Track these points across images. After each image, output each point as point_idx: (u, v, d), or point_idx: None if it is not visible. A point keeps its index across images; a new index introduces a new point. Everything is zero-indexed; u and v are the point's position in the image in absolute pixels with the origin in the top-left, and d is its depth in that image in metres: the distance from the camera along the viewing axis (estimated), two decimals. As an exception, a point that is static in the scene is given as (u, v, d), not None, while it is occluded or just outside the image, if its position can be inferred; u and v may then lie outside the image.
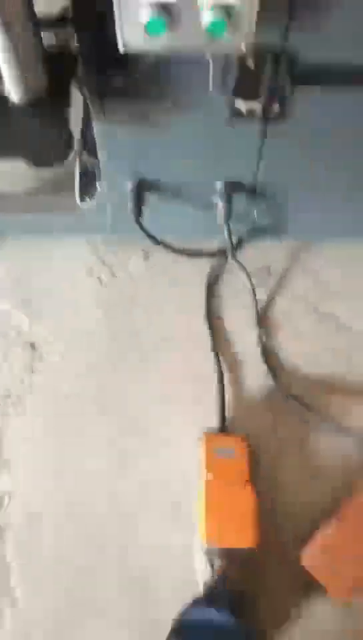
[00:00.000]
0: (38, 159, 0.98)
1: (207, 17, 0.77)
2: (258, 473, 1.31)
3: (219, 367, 1.44)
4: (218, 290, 1.60)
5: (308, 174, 1.22)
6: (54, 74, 0.94)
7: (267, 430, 1.38)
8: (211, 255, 1.44)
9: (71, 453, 1.36)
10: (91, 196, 1.38)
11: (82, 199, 1.38)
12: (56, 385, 1.45)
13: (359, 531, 1.14)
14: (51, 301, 1.57)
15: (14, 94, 0.90)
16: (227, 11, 0.76)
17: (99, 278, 1.61)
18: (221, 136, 1.12)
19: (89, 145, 1.31)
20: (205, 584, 1.11)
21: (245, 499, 1.14)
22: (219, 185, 1.25)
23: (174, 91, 1.02)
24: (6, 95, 0.90)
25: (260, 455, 1.35)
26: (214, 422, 1.38)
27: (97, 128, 1.12)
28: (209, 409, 1.41)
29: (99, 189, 1.35)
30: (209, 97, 1.02)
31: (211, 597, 1.05)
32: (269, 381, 1.43)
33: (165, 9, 0.77)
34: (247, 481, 1.19)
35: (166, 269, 1.62)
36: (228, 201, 1.25)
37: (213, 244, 1.55)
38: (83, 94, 1.03)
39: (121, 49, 0.82)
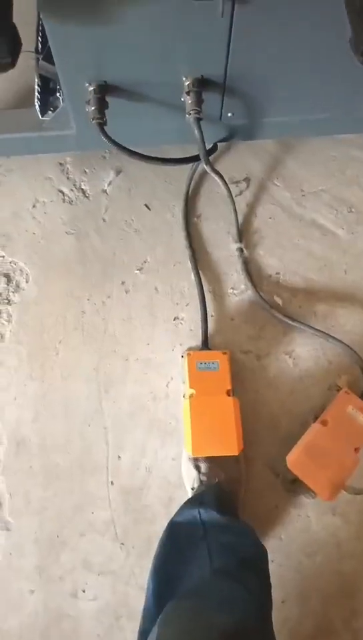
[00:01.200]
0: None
1: None
2: (243, 385, 1.31)
3: (200, 282, 1.40)
4: (196, 202, 1.53)
5: (280, 59, 1.12)
6: None
7: (250, 342, 1.36)
8: (185, 161, 1.36)
9: (54, 381, 1.35)
10: (54, 108, 1.28)
11: (43, 112, 1.29)
12: (34, 315, 1.42)
13: (342, 433, 1.15)
14: (20, 226, 1.51)
15: None
16: None
17: (69, 199, 1.54)
18: (184, 21, 1.01)
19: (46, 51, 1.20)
20: (193, 489, 1.12)
21: (227, 409, 1.14)
22: (187, 82, 1.16)
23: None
24: None
25: (244, 367, 1.34)
26: (197, 340, 1.36)
27: (46, 26, 1.02)
28: (191, 327, 1.38)
29: (61, 101, 1.26)
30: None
31: (199, 498, 1.07)
32: (252, 293, 1.40)
33: None
34: (229, 390, 1.19)
35: (139, 184, 1.54)
36: (197, 98, 1.15)
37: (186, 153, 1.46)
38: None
39: None
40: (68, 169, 1.57)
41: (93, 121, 1.15)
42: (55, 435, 1.30)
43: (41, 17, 1.04)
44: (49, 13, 0.98)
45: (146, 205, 1.53)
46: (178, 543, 0.98)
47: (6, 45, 0.90)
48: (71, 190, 1.55)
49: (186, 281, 1.44)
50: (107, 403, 1.33)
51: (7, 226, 1.51)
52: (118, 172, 1.56)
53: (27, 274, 1.47)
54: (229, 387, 1.19)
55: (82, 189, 1.55)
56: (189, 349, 1.34)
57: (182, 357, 1.33)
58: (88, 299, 1.42)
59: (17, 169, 1.56)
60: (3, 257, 1.48)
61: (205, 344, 1.33)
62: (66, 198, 1.54)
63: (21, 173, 1.56)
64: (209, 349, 1.32)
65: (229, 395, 1.18)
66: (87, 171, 1.56)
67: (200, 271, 1.43)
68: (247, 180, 1.55)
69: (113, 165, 1.56)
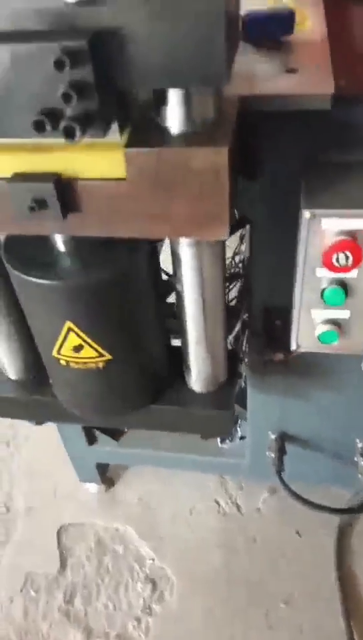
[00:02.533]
0: (207, 434, 1.09)
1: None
2: None
3: (350, 631, 1.31)
4: (349, 537, 1.52)
5: None
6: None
7: None
8: (341, 511, 1.41)
9: None
10: (232, 439, 1.46)
11: (223, 440, 1.46)
12: (172, 634, 1.38)
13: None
14: (175, 531, 1.58)
15: (199, 387, 1.05)
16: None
17: (224, 511, 1.61)
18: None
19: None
20: None
21: None
22: (360, 444, 1.28)
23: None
24: (191, 387, 1.05)
25: None
26: None
27: (250, 388, 1.23)
28: None
29: (239, 433, 1.44)
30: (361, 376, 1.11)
31: None
32: None
33: (338, 324, 0.90)
34: None
35: (292, 508, 1.58)
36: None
37: (346, 494, 1.52)
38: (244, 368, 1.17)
39: (292, 347, 0.95)
40: (227, 481, 1.68)
41: (273, 467, 1.28)
42: None
43: (246, 380, 1.27)
44: (261, 386, 1.20)
45: (297, 532, 1.55)
46: None
47: (229, 426, 1.08)
48: (227, 503, 1.63)
49: (334, 623, 1.35)
50: None
51: (163, 528, 1.59)
52: (273, 492, 1.63)
53: (172, 583, 1.48)
54: None
55: (237, 504, 1.63)
56: None
57: None
58: (227, 626, 1.37)
59: (180, 474, 1.70)
60: (153, 560, 1.53)
61: None
62: (221, 509, 1.62)
63: (184, 479, 1.69)
64: None
65: None
66: (244, 486, 1.66)
67: (351, 620, 1.35)
68: None
69: (268, 485, 1.65)
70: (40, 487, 1.74)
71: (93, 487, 1.69)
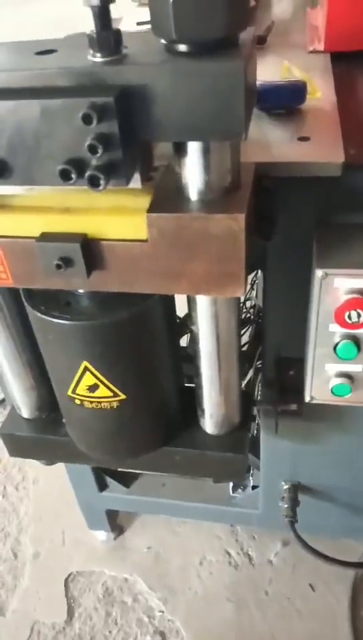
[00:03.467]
0: (219, 478, 1.09)
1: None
2: None
3: None
4: (363, 593, 1.49)
5: None
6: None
7: None
8: (355, 565, 1.38)
9: None
10: (244, 488, 1.45)
11: (235, 489, 1.46)
12: None
13: None
14: (185, 582, 1.55)
15: (212, 429, 1.06)
16: None
17: (235, 562, 1.58)
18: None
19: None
20: None
21: None
22: (375, 496, 1.28)
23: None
24: (203, 428, 1.06)
25: None
26: None
27: (264, 437, 1.24)
28: None
29: (252, 482, 1.43)
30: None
31: None
32: None
33: (350, 377, 0.91)
34: None
35: (305, 561, 1.56)
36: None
37: (361, 547, 1.49)
38: (259, 414, 1.18)
39: (306, 399, 0.96)
40: (238, 531, 1.66)
41: (285, 519, 1.27)
42: None
43: (258, 428, 1.27)
44: (274, 435, 1.20)
45: (310, 585, 1.52)
46: None
47: (241, 471, 1.08)
48: (238, 553, 1.61)
49: None
50: None
51: (173, 579, 1.56)
52: (285, 544, 1.61)
53: (182, 637, 1.44)
54: None
55: (248, 555, 1.60)
56: None
57: None
58: None
59: (191, 522, 1.68)
60: (163, 612, 1.49)
61: None
62: (232, 561, 1.59)
63: (194, 527, 1.67)
64: None
65: None
66: (255, 537, 1.64)
67: None
68: None
69: (281, 536, 1.62)
70: (48, 533, 1.73)
71: (101, 534, 1.67)
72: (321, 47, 1.19)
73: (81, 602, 1.55)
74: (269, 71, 1.05)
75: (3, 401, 2.17)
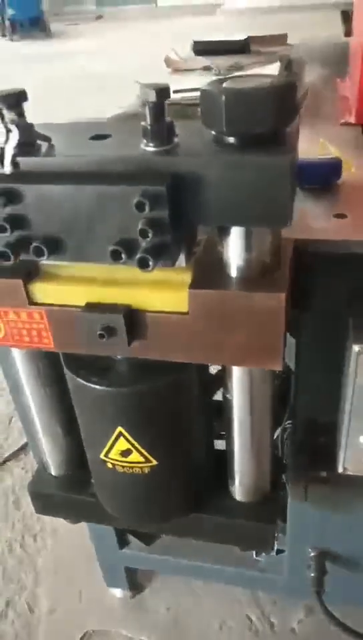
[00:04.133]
0: (247, 547, 1.07)
1: None
2: None
3: None
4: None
5: None
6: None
7: None
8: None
9: None
10: (268, 552, 1.41)
11: (258, 554, 1.42)
12: None
13: None
14: (205, 647, 1.50)
15: (242, 497, 1.04)
16: None
17: (255, 628, 1.53)
18: None
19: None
20: None
21: None
22: None
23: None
24: (233, 494, 1.05)
25: None
26: None
27: (291, 502, 1.22)
28: None
29: (276, 545, 1.39)
30: None
31: None
32: None
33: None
34: None
35: (332, 634, 1.49)
36: None
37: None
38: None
39: (338, 469, 0.95)
40: (259, 595, 1.60)
41: (312, 589, 1.23)
42: None
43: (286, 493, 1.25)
44: (296, 495, 1.18)
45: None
46: None
47: (270, 541, 1.06)
48: (259, 619, 1.55)
49: None
50: None
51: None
52: (309, 611, 1.55)
53: None
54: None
55: (270, 621, 1.54)
56: None
57: None
58: None
59: (212, 583, 1.64)
60: None
61: None
62: (253, 627, 1.54)
63: (215, 589, 1.62)
64: None
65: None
66: (277, 602, 1.59)
67: None
68: None
69: (305, 603, 1.56)
70: (65, 588, 1.69)
71: (119, 592, 1.63)
72: (352, 119, 1.23)
73: (96, 664, 1.50)
74: (302, 145, 1.09)
75: (26, 445, 2.18)
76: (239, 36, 2.06)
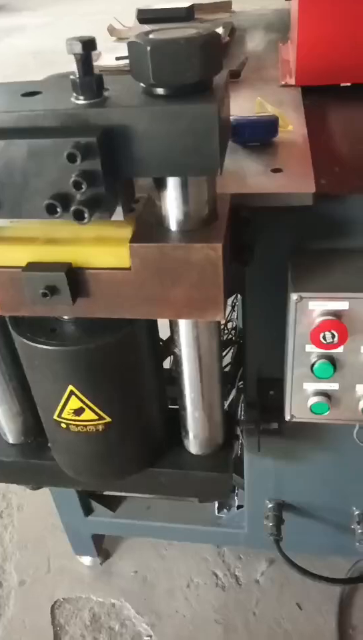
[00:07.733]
0: (205, 497, 1.11)
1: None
2: None
3: None
4: (351, 611, 1.50)
5: None
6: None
7: None
8: (341, 582, 1.40)
9: None
10: (229, 508, 1.46)
11: (220, 509, 1.47)
12: None
13: None
14: (172, 606, 1.54)
15: (196, 450, 1.08)
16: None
17: (222, 584, 1.59)
18: None
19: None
20: None
21: None
22: (356, 512, 1.30)
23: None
24: (188, 448, 1.09)
25: None
26: None
27: (247, 456, 1.26)
28: None
29: (237, 502, 1.45)
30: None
31: None
32: None
33: (328, 396, 0.95)
34: None
35: (292, 580, 1.57)
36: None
37: (347, 564, 1.51)
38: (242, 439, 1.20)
39: (286, 417, 1.00)
40: (224, 552, 1.66)
41: (270, 537, 1.28)
42: None
43: (242, 449, 1.30)
44: (257, 454, 1.23)
45: (298, 605, 1.53)
46: None
47: (226, 489, 1.09)
48: (225, 574, 1.61)
49: None
50: None
51: (160, 603, 1.56)
52: (271, 562, 1.62)
53: (170, 664, 1.43)
54: None
55: (236, 575, 1.61)
56: None
57: None
58: None
59: (177, 545, 1.69)
60: (151, 637, 1.49)
61: None
62: (219, 582, 1.60)
63: (181, 550, 1.67)
64: None
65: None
66: (242, 557, 1.65)
67: None
68: None
69: (267, 555, 1.63)
70: (33, 560, 1.71)
71: (87, 560, 1.66)
72: (292, 81, 1.25)
73: (68, 629, 1.54)
74: (243, 105, 1.10)
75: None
76: (183, 3, 2.04)
